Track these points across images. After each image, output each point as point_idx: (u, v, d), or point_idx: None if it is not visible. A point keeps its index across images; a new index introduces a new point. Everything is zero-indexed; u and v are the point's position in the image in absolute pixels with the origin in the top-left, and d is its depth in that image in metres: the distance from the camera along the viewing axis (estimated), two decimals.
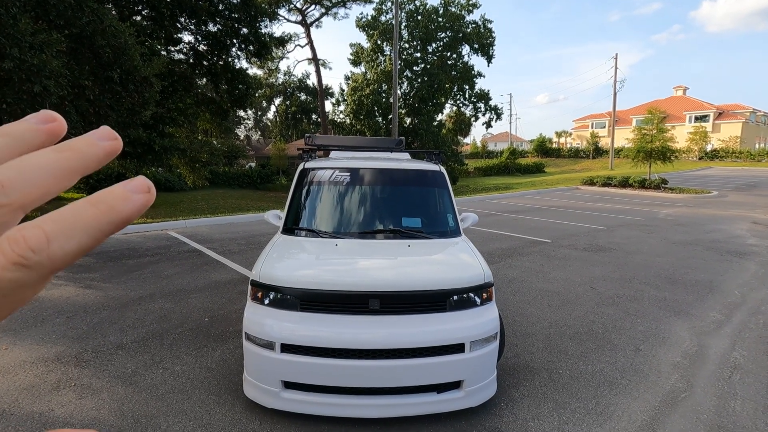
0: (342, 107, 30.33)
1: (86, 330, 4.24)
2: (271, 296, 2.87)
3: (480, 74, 32.34)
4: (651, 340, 4.18)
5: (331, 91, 49.01)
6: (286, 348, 2.69)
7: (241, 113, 33.49)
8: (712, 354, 3.92)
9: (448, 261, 3.24)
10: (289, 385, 2.76)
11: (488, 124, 33.93)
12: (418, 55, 30.06)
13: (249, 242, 8.50)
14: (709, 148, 45.29)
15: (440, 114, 34.51)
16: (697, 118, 52.80)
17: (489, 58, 30.98)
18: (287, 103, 51.00)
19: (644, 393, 3.25)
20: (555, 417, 2.93)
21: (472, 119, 35.43)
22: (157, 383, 3.27)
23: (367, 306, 2.75)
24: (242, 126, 42.21)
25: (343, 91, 31.04)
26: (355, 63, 30.00)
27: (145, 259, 7.01)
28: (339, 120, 30.09)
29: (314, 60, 32.26)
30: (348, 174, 3.93)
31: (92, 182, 15.20)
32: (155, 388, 3.21)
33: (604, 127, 59.52)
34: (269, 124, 52.45)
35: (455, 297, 2.83)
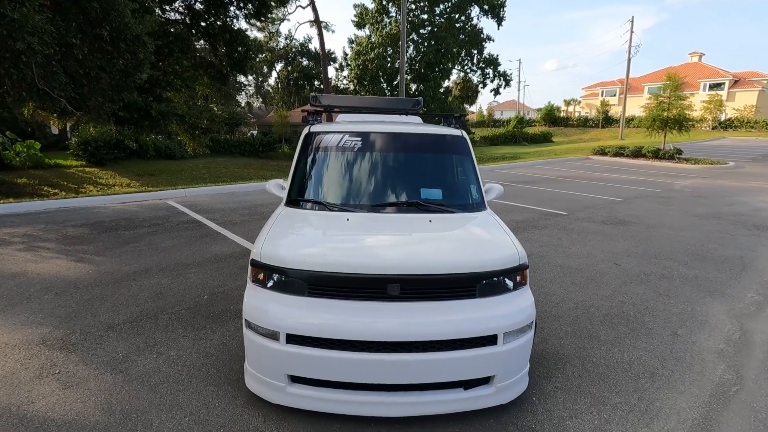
0: (345, 72, 29.33)
1: (75, 308, 3.92)
2: (275, 278, 2.50)
3: (489, 38, 30.97)
4: (689, 324, 3.84)
5: (333, 55, 47.35)
6: (293, 339, 2.35)
7: (242, 79, 32.41)
8: (758, 340, 3.58)
9: (476, 239, 2.84)
10: (296, 379, 2.43)
11: (496, 91, 32.80)
12: (425, 17, 28.66)
13: (252, 213, 8.12)
14: (722, 117, 43.92)
15: (447, 80, 33.33)
16: (711, 86, 51.00)
17: (499, 21, 29.52)
18: (289, 68, 49.48)
19: (690, 386, 2.92)
20: (594, 414, 2.61)
21: (480, 86, 34.24)
22: (150, 371, 2.96)
23: (385, 291, 2.38)
24: (243, 92, 41.04)
25: (346, 55, 29.93)
26: (359, 25, 28.69)
27: (142, 230, 6.66)
28: (342, 86, 29.11)
29: (316, 22, 30.85)
30: (359, 139, 3.48)
31: (90, 149, 14.72)
32: (148, 376, 2.90)
33: (615, 96, 57.77)
34: (271, 90, 51.11)
35: (486, 281, 2.45)
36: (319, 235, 2.82)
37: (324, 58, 31.46)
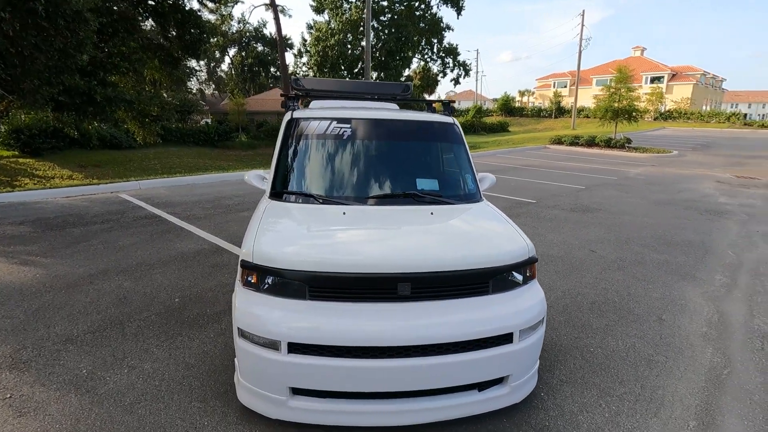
0: (305, 59, 28.38)
1: (24, 319, 3.44)
2: (270, 281, 2.24)
3: (449, 27, 31.00)
4: (671, 309, 3.94)
5: (290, 41, 45.89)
6: (295, 348, 2.11)
7: (193, 64, 30.65)
8: (735, 322, 3.73)
9: (484, 233, 2.71)
10: (298, 391, 2.20)
11: (456, 81, 33.04)
12: (385, 3, 28.21)
13: (216, 206, 7.62)
14: (663, 109, 46.86)
15: (407, 69, 33.18)
16: (652, 79, 54.29)
17: (459, 10, 29.61)
18: (243, 54, 47.45)
19: (686, 371, 2.96)
20: (604, 407, 2.57)
21: (440, 75, 34.39)
22: (123, 389, 2.62)
23: (395, 291, 2.19)
24: (194, 78, 38.82)
25: (305, 41, 28.94)
26: (318, 10, 27.79)
27: (94, 227, 6.04)
28: (302, 73, 28.19)
29: (272, 6, 29.55)
30: (348, 126, 3.23)
31: (24, 138, 13.31)
32: (120, 395, 2.55)
33: (566, 87, 60.16)
34: (224, 76, 48.83)
35: (498, 276, 2.33)
36: (316, 232, 2.57)
37: (281, 43, 30.27)
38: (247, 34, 46.56)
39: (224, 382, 2.68)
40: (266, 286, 2.26)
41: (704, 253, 5.63)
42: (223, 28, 37.34)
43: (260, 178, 3.30)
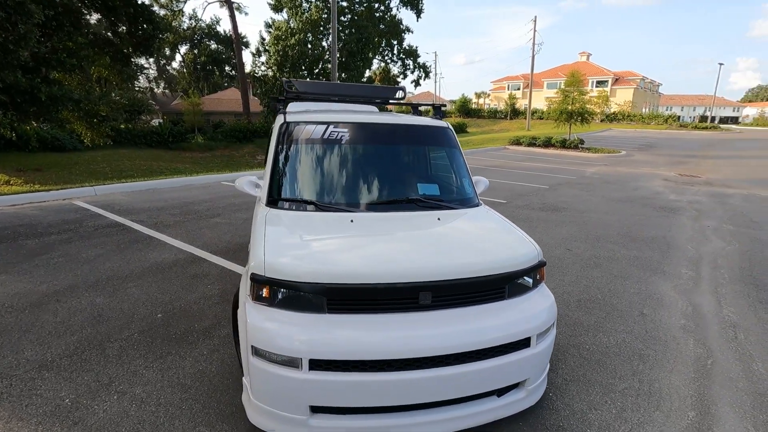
0: (263, 58, 27.61)
1: None
2: (285, 295, 2.13)
3: (408, 29, 31.34)
4: (649, 303, 4.16)
5: (246, 40, 44.65)
6: (316, 364, 2.02)
7: (142, 61, 29.06)
8: (707, 313, 3.99)
9: (496, 237, 2.72)
10: (317, 409, 2.11)
11: (417, 83, 33.43)
12: (345, 3, 28.05)
13: (185, 212, 7.23)
14: (608, 111, 49.74)
15: (368, 70, 33.19)
16: (598, 83, 57.54)
17: (418, 12, 30.00)
18: (195, 52, 45.58)
19: (675, 364, 3.13)
20: (609, 403, 2.66)
21: (401, 77, 34.65)
22: (116, 417, 2.40)
23: (416, 301, 2.15)
24: (143, 76, 36.74)
25: (263, 40, 28.16)
26: (277, 8, 27.18)
27: (51, 239, 5.55)
28: (261, 73, 27.44)
29: (227, 3, 28.61)
30: (346, 131, 3.15)
31: None
32: (115, 425, 2.34)
33: (519, 89, 62.51)
34: (176, 75, 46.66)
35: (514, 281, 2.35)
36: (328, 241, 2.48)
37: (237, 42, 29.37)
38: (200, 31, 44.76)
39: (229, 402, 2.53)
40: (280, 300, 2.15)
41: (667, 248, 6.00)
42: (174, 24, 35.66)
43: (253, 184, 3.14)
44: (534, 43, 37.53)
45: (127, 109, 24.42)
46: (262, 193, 3.00)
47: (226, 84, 49.40)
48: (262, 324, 2.10)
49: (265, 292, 2.16)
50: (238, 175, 12.00)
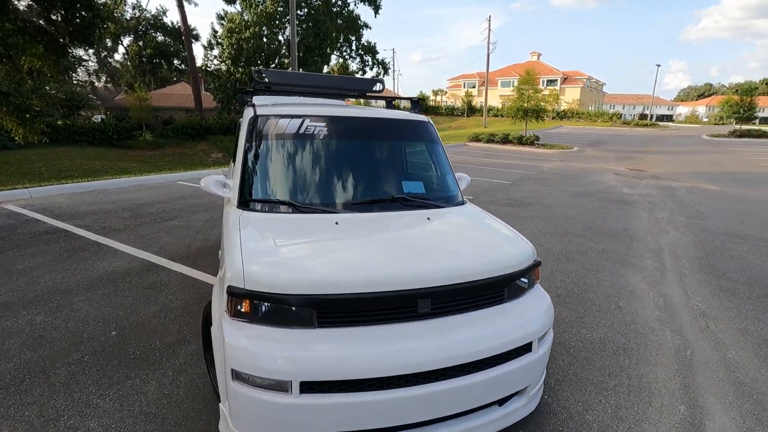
0: (216, 52, 26.42)
1: None
2: (267, 309, 1.89)
3: (366, 25, 31.07)
4: (623, 296, 4.23)
5: (196, 32, 42.55)
6: (308, 387, 1.80)
7: (81, 52, 26.91)
8: (677, 303, 4.10)
9: (489, 237, 2.59)
10: None
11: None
12: None
13: (135, 215, 6.65)
14: (559, 109, 51.92)
15: (326, 66, 32.62)
16: (548, 82, 59.92)
17: (376, 9, 29.79)
18: (140, 43, 42.91)
19: (658, 357, 3.16)
20: (603, 402, 2.62)
21: (360, 73, 34.33)
22: None
23: (415, 309, 1.97)
24: (82, 68, 34.03)
25: (215, 32, 26.91)
26: (230, 0, 26.03)
27: None
28: (213, 67, 26.22)
29: None
30: (324, 125, 2.92)
31: None
32: None
33: (475, 87, 63.93)
34: (120, 68, 43.77)
35: (512, 283, 2.23)
36: (314, 247, 2.24)
37: (187, 34, 27.85)
38: (145, 21, 42.19)
39: (202, 430, 2.24)
40: (262, 315, 1.90)
41: (630, 241, 6.20)
42: (116, 14, 33.36)
43: (220, 184, 2.83)
44: (489, 43, 38.42)
45: (64, 103, 22.58)
46: (232, 194, 2.71)
47: (175, 78, 46.94)
48: (243, 344, 1.85)
49: (244, 307, 1.91)
50: (194, 174, 11.34)
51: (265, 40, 26.35)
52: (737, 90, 40.75)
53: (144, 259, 4.73)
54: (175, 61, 45.85)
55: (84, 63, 33.38)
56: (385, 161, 3.08)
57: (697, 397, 2.70)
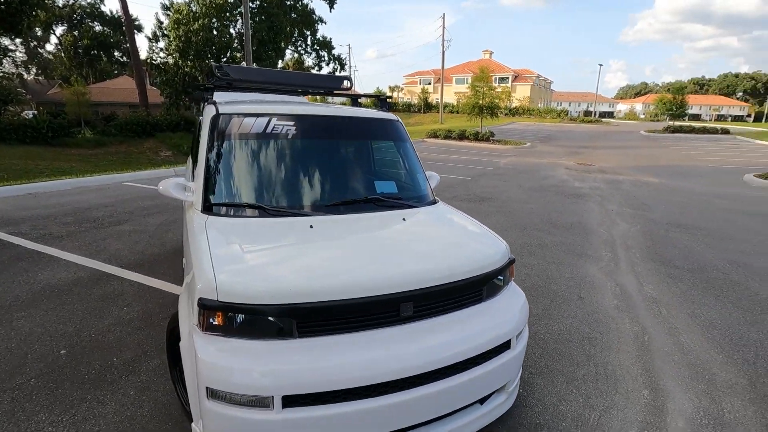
0: (162, 44, 25.03)
1: None
2: (243, 321, 1.79)
3: (321, 20, 30.63)
4: (584, 287, 4.42)
5: (138, 23, 40.10)
6: (291, 401, 1.71)
7: (6, 42, 24.60)
8: (632, 292, 4.35)
9: (466, 236, 2.60)
10: None
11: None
12: None
13: (79, 220, 6.16)
14: (511, 106, 53.74)
15: (281, 61, 31.84)
16: (500, 80, 61.80)
17: (331, 3, 29.38)
18: (76, 33, 39.86)
19: (620, 344, 3.32)
20: (575, 392, 2.72)
21: (315, 68, 33.78)
22: None
23: (397, 314, 1.94)
24: (8, 59, 31.04)
25: (161, 23, 25.46)
26: None
27: None
28: (160, 60, 24.82)
29: None
30: (292, 124, 2.80)
31: None
32: None
33: (430, 84, 64.82)
34: (53, 59, 40.51)
35: (490, 281, 2.25)
36: (289, 252, 2.14)
37: (129, 24, 26.13)
38: (80, 10, 39.23)
39: None
40: (238, 328, 1.79)
41: (585, 233, 6.50)
42: (47, 1, 30.76)
43: (181, 187, 2.65)
44: (444, 40, 39.02)
45: None
46: (195, 198, 2.54)
47: (116, 72, 44.11)
48: (218, 360, 1.73)
49: (217, 320, 1.79)
50: (143, 175, 10.71)
51: (215, 32, 25.27)
52: (669, 89, 43.99)
53: (93, 268, 4.38)
54: (116, 53, 43.03)
55: (11, 53, 30.51)
56: (357, 161, 3.01)
57: (658, 381, 2.87)
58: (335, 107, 3.17)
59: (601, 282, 4.57)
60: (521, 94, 60.65)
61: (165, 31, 24.36)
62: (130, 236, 5.45)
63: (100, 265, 4.44)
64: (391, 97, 3.63)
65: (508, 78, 62.37)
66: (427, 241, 2.43)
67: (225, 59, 27.10)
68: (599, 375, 2.91)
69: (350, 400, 1.77)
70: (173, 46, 23.44)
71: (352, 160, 2.99)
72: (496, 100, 22.61)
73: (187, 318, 1.98)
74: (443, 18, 39.26)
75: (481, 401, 2.20)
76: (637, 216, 7.72)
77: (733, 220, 7.53)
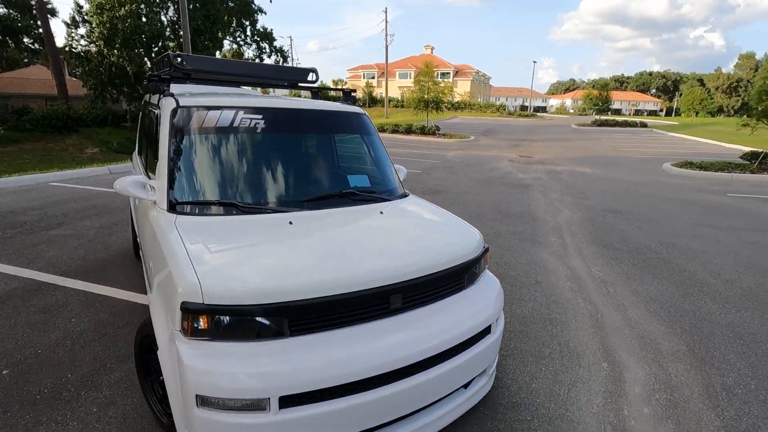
0: (83, 30, 22.83)
1: None
2: (230, 323, 1.72)
3: (261, 10, 29.49)
4: (539, 271, 4.69)
5: (51, 6, 36.29)
6: (287, 401, 1.67)
7: None
8: (581, 274, 4.68)
9: (442, 227, 2.65)
10: None
11: None
12: None
13: (5, 225, 5.51)
14: (453, 100, 55.28)
15: (219, 51, 30.33)
16: (442, 75, 63.25)
17: None
18: None
19: (579, 323, 3.58)
20: (544, 370, 2.89)
21: (257, 60, 32.56)
22: None
23: (387, 306, 1.95)
24: None
25: (80, 8, 23.20)
26: None
27: None
28: (81, 48, 22.64)
29: None
30: (261, 117, 2.70)
31: None
32: None
33: (374, 78, 64.95)
34: None
35: (470, 270, 2.33)
36: (273, 250, 2.07)
37: (41, 7, 23.58)
38: None
39: None
40: (226, 331, 1.72)
41: (534, 221, 6.89)
42: None
43: (140, 185, 2.46)
44: (387, 34, 39.19)
45: None
46: (159, 197, 2.38)
47: (26, 60, 39.77)
48: (207, 365, 1.65)
49: (203, 324, 1.70)
50: (72, 174, 9.83)
51: (144, 19, 23.49)
52: (594, 86, 47.49)
53: (27, 278, 3.95)
54: (26, 40, 38.69)
55: None
56: (328, 155, 2.97)
57: (614, 354, 3.13)
58: (303, 100, 3.10)
59: (554, 266, 4.87)
60: (462, 89, 62.52)
61: (86, 17, 22.27)
62: (67, 241, 4.98)
63: (36, 274, 4.02)
64: (355, 91, 3.61)
65: (449, 73, 64.00)
66: (409, 233, 2.46)
67: (156, 48, 25.34)
68: (563, 352, 3.11)
69: (347, 395, 1.76)
70: (96, 34, 21.51)
71: (324, 155, 2.95)
72: (441, 95, 23.14)
73: (166, 325, 1.86)
74: (386, 12, 39.41)
75: (466, 386, 2.28)
76: (577, 204, 8.29)
77: (658, 205, 8.33)
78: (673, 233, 6.34)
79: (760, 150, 13.92)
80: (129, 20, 21.43)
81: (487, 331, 2.27)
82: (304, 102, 3.05)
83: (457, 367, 2.08)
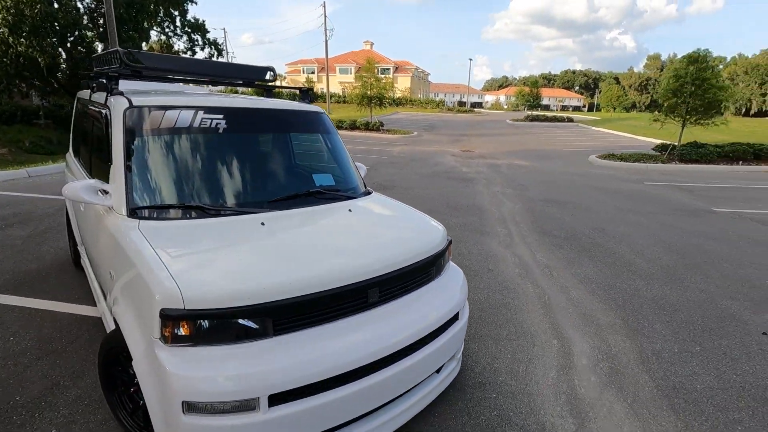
0: None
1: None
2: (212, 327, 1.71)
3: (192, 0, 27.95)
4: (490, 260, 4.99)
5: None
6: (276, 398, 1.70)
7: None
8: (527, 260, 5.05)
9: (409, 222, 2.75)
10: None
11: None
12: None
13: None
14: (394, 96, 55.92)
15: (145, 43, 28.31)
16: (382, 70, 63.69)
17: None
18: None
19: (530, 305, 3.88)
20: (503, 350, 3.12)
21: (188, 53, 30.79)
22: None
23: (366, 300, 2.03)
24: None
25: None
26: None
27: None
28: None
29: None
30: (221, 117, 2.64)
31: None
32: None
33: (314, 73, 63.98)
34: None
35: (437, 262, 2.47)
36: (250, 251, 2.05)
37: None
38: None
39: None
40: (208, 335, 1.71)
41: (480, 212, 7.26)
42: None
43: (94, 190, 2.33)
44: (326, 29, 38.74)
45: None
46: (116, 202, 2.27)
47: None
48: (192, 371, 1.64)
49: (184, 330, 1.68)
50: None
51: (56, 5, 21.34)
52: (525, 83, 50.31)
53: None
54: None
55: None
56: (291, 154, 2.98)
57: (562, 332, 3.44)
58: (263, 99, 3.07)
59: (503, 254, 5.20)
60: (402, 85, 63.44)
61: None
62: (14, 247, 4.50)
63: None
64: (312, 89, 3.61)
65: (389, 69, 64.60)
66: (379, 229, 2.55)
67: (72, 38, 23.14)
68: (519, 333, 3.37)
69: (332, 388, 1.82)
70: None
71: (287, 154, 2.94)
72: (383, 91, 23.37)
73: (140, 335, 1.80)
74: (324, 6, 38.91)
75: (438, 371, 2.42)
76: (517, 195, 8.83)
77: (588, 194, 9.10)
78: (603, 219, 6.98)
79: (668, 142, 15.62)
80: (38, 6, 19.39)
81: (455, 318, 2.42)
82: (265, 101, 3.03)
83: (431, 353, 2.21)
